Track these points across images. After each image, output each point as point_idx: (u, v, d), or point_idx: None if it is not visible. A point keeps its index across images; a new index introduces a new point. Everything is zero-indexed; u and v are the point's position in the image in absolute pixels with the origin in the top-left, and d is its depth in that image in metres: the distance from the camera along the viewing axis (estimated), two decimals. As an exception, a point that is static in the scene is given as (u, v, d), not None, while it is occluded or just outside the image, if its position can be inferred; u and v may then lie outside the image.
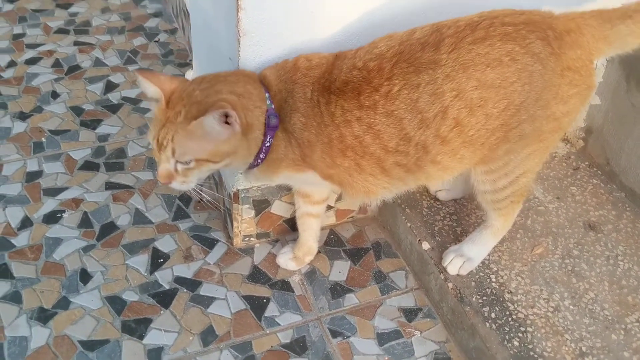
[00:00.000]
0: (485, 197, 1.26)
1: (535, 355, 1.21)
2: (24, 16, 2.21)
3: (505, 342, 1.22)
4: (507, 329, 1.25)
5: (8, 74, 1.95)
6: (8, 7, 2.26)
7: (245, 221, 1.44)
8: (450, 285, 1.32)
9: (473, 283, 1.33)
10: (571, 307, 1.30)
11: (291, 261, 1.44)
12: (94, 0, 2.31)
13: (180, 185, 1.12)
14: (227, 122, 1.05)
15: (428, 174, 1.17)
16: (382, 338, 1.33)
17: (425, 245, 1.40)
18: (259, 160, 1.17)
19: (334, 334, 1.33)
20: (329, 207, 1.51)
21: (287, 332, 1.33)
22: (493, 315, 1.27)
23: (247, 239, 1.48)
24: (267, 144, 1.15)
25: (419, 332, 1.34)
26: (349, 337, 1.33)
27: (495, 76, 1.06)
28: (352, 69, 1.10)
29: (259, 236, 1.49)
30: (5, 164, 1.63)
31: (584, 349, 1.22)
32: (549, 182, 1.58)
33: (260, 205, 1.43)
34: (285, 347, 1.30)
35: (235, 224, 1.44)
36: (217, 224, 1.54)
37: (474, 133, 1.10)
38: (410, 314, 1.38)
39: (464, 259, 1.33)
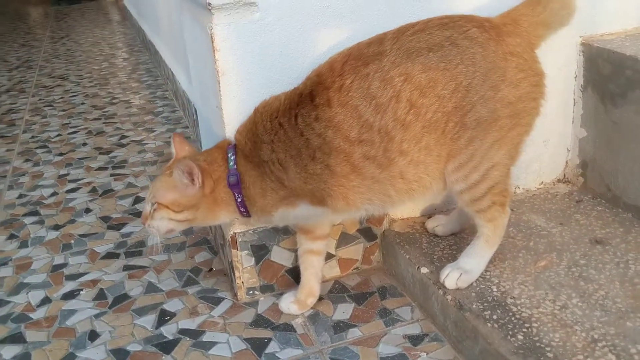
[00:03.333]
0: (464, 198, 1.27)
1: (542, 346, 1.12)
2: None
3: (509, 337, 1.15)
4: (510, 327, 1.18)
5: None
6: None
7: (246, 271, 1.47)
8: (449, 297, 1.28)
9: (473, 294, 1.29)
10: (580, 304, 1.23)
11: (293, 304, 1.43)
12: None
13: (149, 227, 1.30)
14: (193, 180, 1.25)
15: (402, 173, 1.21)
16: (386, 361, 1.27)
17: (424, 270, 1.38)
18: (245, 213, 1.30)
19: (336, 361, 1.28)
20: (331, 256, 1.53)
21: (287, 364, 1.29)
22: (495, 317, 1.21)
23: (251, 292, 1.50)
24: (239, 200, 1.28)
25: (425, 354, 1.28)
26: (351, 363, 1.27)
27: (439, 59, 1.16)
28: (307, 80, 1.23)
29: (263, 289, 1.51)
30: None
31: (595, 336, 1.14)
32: (551, 213, 1.57)
33: (259, 252, 1.47)
34: (285, 377, 1.25)
35: (237, 274, 1.47)
36: (225, 286, 1.57)
37: (431, 116, 1.17)
38: (415, 339, 1.32)
39: (460, 272, 1.31)
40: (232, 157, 1.28)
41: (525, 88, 1.21)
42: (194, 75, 1.71)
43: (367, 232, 1.54)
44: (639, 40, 1.55)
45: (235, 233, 1.44)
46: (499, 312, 1.22)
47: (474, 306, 1.24)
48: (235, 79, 1.35)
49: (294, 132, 1.20)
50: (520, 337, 1.15)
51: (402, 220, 1.59)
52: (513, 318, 1.20)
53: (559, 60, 1.60)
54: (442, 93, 1.17)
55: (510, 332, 1.16)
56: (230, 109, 1.37)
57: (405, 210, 1.59)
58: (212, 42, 1.31)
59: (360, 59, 1.18)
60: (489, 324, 1.19)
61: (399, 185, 1.24)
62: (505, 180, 1.28)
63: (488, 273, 1.34)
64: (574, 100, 1.64)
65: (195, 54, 1.56)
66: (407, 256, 1.44)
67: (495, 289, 1.29)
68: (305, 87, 1.22)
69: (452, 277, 1.30)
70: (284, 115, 1.22)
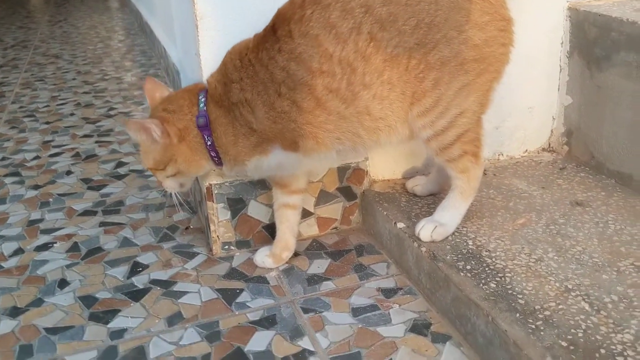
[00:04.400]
0: (432, 145, 1.24)
1: (515, 293, 1.10)
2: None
3: (481, 285, 1.13)
4: (484, 276, 1.16)
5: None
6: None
7: (222, 224, 1.45)
8: (424, 249, 1.26)
9: (448, 246, 1.27)
10: (556, 257, 1.21)
11: (268, 258, 1.41)
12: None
13: (166, 190, 1.38)
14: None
15: (368, 108, 1.18)
16: (357, 311, 1.24)
17: (400, 225, 1.36)
18: (216, 159, 1.28)
19: (306, 311, 1.26)
20: (309, 214, 1.51)
21: (257, 312, 1.26)
22: (468, 267, 1.19)
23: (226, 247, 1.48)
24: (209, 142, 1.26)
25: (397, 305, 1.26)
26: (321, 312, 1.25)
27: None
28: (271, 19, 1.21)
29: (239, 245, 1.48)
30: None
31: (569, 286, 1.11)
32: (534, 179, 1.55)
33: (236, 205, 1.45)
34: (253, 324, 1.23)
35: (212, 227, 1.45)
36: (201, 243, 1.55)
37: (392, 50, 1.14)
38: (389, 292, 1.30)
39: (435, 224, 1.28)
40: (203, 100, 1.26)
41: (491, 32, 1.18)
42: (177, 31, 1.69)
43: (347, 191, 1.52)
44: (626, 5, 1.53)
45: (211, 185, 1.42)
46: (473, 263, 1.20)
47: (448, 257, 1.22)
48: (215, 23, 1.33)
49: (260, 66, 1.19)
50: (492, 285, 1.13)
51: (383, 181, 1.57)
52: (487, 269, 1.18)
53: (545, 27, 1.58)
54: (403, 28, 1.14)
55: (482, 281, 1.14)
56: (208, 55, 1.36)
57: (386, 171, 1.57)
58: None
59: None
60: (462, 274, 1.17)
61: (367, 122, 1.20)
62: (476, 129, 1.25)
63: (465, 228, 1.32)
64: (560, 67, 1.62)
65: (179, 3, 1.54)
66: (385, 213, 1.42)
67: (470, 243, 1.27)
68: (271, 24, 1.20)
69: (427, 229, 1.28)
70: (252, 52, 1.20)
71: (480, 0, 1.16)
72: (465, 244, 1.27)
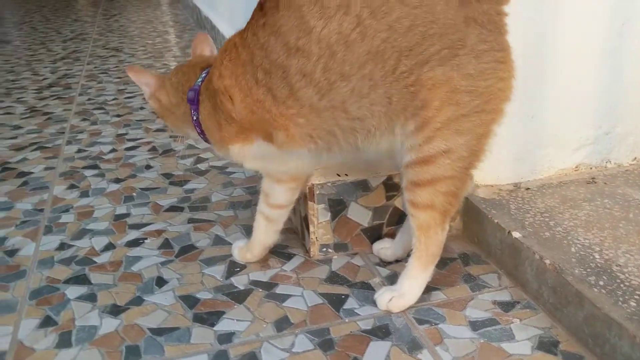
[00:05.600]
0: (408, 174, 1.13)
1: (660, 314, 1.02)
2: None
3: (620, 303, 1.05)
4: (620, 293, 1.08)
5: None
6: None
7: (321, 226, 1.40)
8: (547, 261, 1.19)
9: (574, 259, 1.19)
10: (696, 276, 1.12)
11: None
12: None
13: None
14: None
15: (344, 103, 1.07)
16: (476, 325, 1.18)
17: (516, 234, 1.29)
18: (201, 134, 1.29)
19: (420, 322, 1.19)
20: (410, 219, 1.45)
21: (368, 321, 1.21)
22: (601, 283, 1.11)
23: (324, 249, 1.42)
24: (194, 117, 1.26)
25: (518, 320, 1.18)
26: (437, 324, 1.18)
27: None
28: None
29: (336, 247, 1.43)
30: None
31: None
32: (649, 189, 1.46)
33: (337, 207, 1.40)
34: (366, 333, 1.17)
35: (311, 228, 1.40)
36: (295, 244, 1.50)
37: (379, 44, 1.02)
38: (506, 305, 1.23)
39: (392, 294, 1.21)
40: (203, 75, 1.25)
41: (488, 63, 1.05)
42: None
43: (449, 196, 1.45)
44: None
45: (313, 184, 1.37)
46: (605, 278, 1.12)
47: (576, 271, 1.15)
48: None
49: (242, 47, 1.12)
50: (632, 303, 1.05)
51: (486, 187, 1.50)
52: (622, 285, 1.10)
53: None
54: (395, 25, 1.02)
55: (620, 299, 1.06)
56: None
57: (489, 176, 1.50)
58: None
59: None
60: (596, 289, 1.09)
61: (342, 120, 1.09)
62: (457, 183, 1.12)
63: (587, 240, 1.24)
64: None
65: None
66: (496, 221, 1.35)
67: (597, 256, 1.19)
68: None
69: (384, 298, 1.22)
70: (238, 33, 1.14)
71: (478, 26, 1.03)
72: (591, 257, 1.19)
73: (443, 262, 1.38)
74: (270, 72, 1.08)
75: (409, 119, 1.08)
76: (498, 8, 1.05)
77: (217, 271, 1.39)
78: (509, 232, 1.30)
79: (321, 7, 1.02)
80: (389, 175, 1.40)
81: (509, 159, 1.49)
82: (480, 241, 1.43)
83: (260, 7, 1.10)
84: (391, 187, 1.41)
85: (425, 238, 1.16)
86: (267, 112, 1.11)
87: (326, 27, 1.02)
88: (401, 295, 1.21)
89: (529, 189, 1.48)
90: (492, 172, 1.49)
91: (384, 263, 1.40)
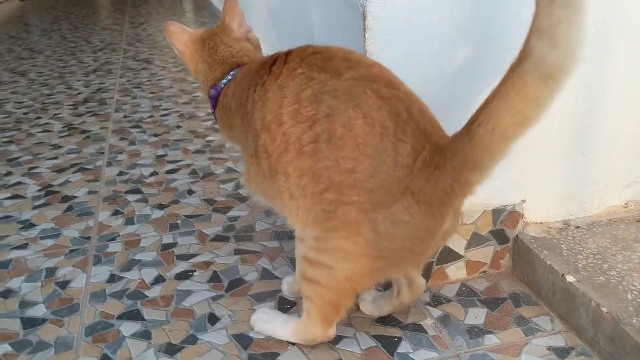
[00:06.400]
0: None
1: None
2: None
3: (684, 359, 1.05)
4: (683, 347, 1.08)
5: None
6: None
7: (372, 264, 1.40)
8: (604, 309, 1.18)
9: (631, 307, 1.19)
10: None
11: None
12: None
13: None
14: None
15: (280, 193, 1.12)
16: (533, 373, 1.18)
17: (570, 278, 1.29)
18: (214, 114, 1.41)
19: (476, 368, 1.20)
20: (459, 257, 1.45)
21: (424, 366, 1.21)
22: (662, 335, 1.11)
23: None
24: (212, 110, 1.39)
25: (574, 368, 1.18)
26: (493, 371, 1.19)
27: (347, 121, 1.02)
28: (284, 52, 1.18)
29: (385, 286, 1.43)
30: None
31: None
32: (701, 229, 1.45)
33: (388, 246, 1.40)
34: (423, 379, 1.18)
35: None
36: (343, 279, 1.50)
37: (320, 167, 1.05)
38: (561, 352, 1.23)
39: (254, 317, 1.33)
40: (233, 73, 1.34)
41: (401, 235, 1.04)
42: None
43: (499, 235, 1.46)
44: None
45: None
46: (666, 330, 1.12)
47: (634, 321, 1.14)
48: (382, 61, 1.28)
49: (249, 84, 1.21)
50: (696, 359, 1.04)
51: (535, 224, 1.49)
52: (684, 338, 1.09)
53: None
54: (339, 160, 1.03)
55: (684, 354, 1.06)
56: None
57: (539, 213, 1.49)
58: (364, 20, 1.24)
59: (323, 60, 1.09)
60: (657, 343, 1.09)
61: (277, 202, 1.16)
62: (336, 296, 1.14)
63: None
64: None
65: (332, 36, 1.49)
66: (548, 263, 1.35)
67: (655, 305, 1.19)
68: (283, 52, 1.17)
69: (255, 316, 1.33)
70: (255, 69, 1.22)
71: (413, 200, 1.01)
72: (649, 306, 1.18)
73: (495, 303, 1.38)
74: (249, 125, 1.19)
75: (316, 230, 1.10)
76: (443, 197, 1.01)
77: (268, 308, 1.40)
78: (562, 275, 1.30)
79: (296, 109, 1.07)
80: (439, 215, 1.40)
81: (559, 197, 1.49)
82: (530, 281, 1.42)
83: (270, 64, 1.16)
84: (441, 226, 1.40)
85: (302, 321, 1.23)
86: (244, 146, 1.27)
87: (293, 127, 1.07)
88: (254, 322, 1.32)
89: (578, 227, 1.48)
90: (542, 210, 1.49)
91: (434, 303, 1.40)
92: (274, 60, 1.17)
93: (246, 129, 1.21)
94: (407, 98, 1.05)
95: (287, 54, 1.15)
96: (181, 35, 1.44)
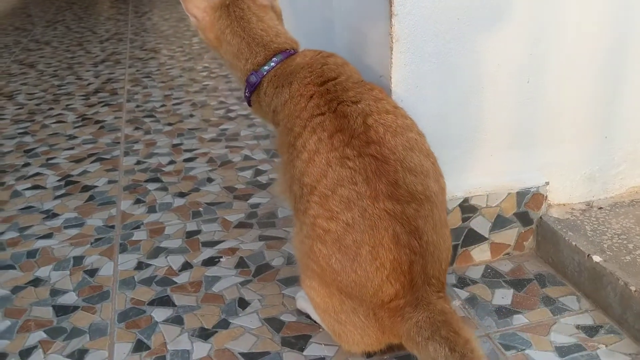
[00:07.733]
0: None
1: None
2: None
3: None
4: None
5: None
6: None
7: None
8: (633, 288, 1.20)
9: (660, 286, 1.20)
10: None
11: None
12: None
13: None
14: None
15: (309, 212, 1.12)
16: (562, 351, 1.20)
17: (597, 258, 1.30)
18: (248, 102, 1.37)
19: (507, 347, 1.22)
20: (484, 239, 1.47)
21: (455, 346, 1.23)
22: (691, 312, 1.13)
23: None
24: (247, 94, 1.34)
25: (604, 346, 1.20)
26: (523, 349, 1.21)
27: (357, 240, 1.04)
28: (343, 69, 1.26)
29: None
30: None
31: None
32: None
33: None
34: (455, 359, 1.19)
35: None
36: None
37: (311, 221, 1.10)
38: (590, 330, 1.25)
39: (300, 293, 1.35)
40: (275, 60, 1.30)
41: (356, 287, 1.06)
42: (342, 46, 1.65)
43: (523, 217, 1.47)
44: None
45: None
46: (695, 307, 1.14)
47: (664, 299, 1.16)
48: (409, 46, 1.29)
49: (297, 86, 1.22)
50: None
51: (558, 206, 1.51)
52: None
53: None
54: (332, 258, 1.06)
55: None
56: (399, 77, 1.31)
57: (562, 195, 1.51)
58: (390, 5, 1.25)
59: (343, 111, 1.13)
60: (687, 319, 1.11)
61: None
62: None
63: (670, 266, 1.25)
64: None
65: (355, 21, 1.50)
66: (574, 243, 1.36)
67: (683, 283, 1.20)
68: (332, 71, 1.22)
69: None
70: (310, 79, 1.22)
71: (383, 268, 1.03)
72: (677, 284, 1.20)
73: (520, 284, 1.40)
74: (286, 127, 1.20)
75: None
76: (397, 334, 1.07)
77: (296, 292, 1.42)
78: (588, 255, 1.32)
79: (328, 198, 1.07)
80: (465, 198, 1.42)
81: (582, 178, 1.50)
82: (555, 262, 1.44)
83: (322, 82, 1.20)
84: (467, 209, 1.42)
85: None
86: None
87: (319, 163, 1.09)
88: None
89: (601, 208, 1.49)
90: (565, 191, 1.51)
91: (461, 285, 1.41)
92: (324, 80, 1.19)
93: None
94: (426, 229, 1.05)
95: (329, 71, 1.21)
96: (198, 1, 1.35)
